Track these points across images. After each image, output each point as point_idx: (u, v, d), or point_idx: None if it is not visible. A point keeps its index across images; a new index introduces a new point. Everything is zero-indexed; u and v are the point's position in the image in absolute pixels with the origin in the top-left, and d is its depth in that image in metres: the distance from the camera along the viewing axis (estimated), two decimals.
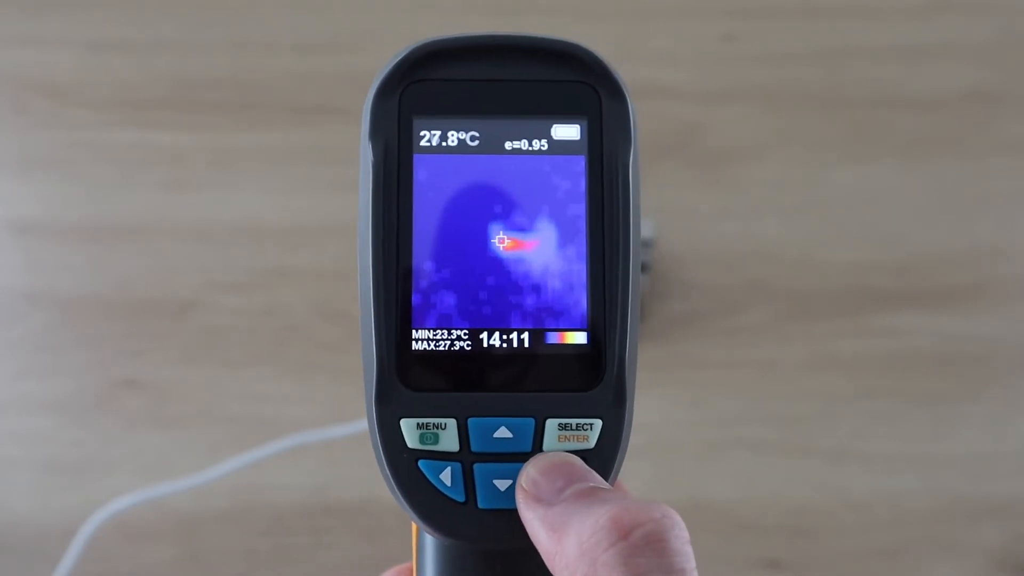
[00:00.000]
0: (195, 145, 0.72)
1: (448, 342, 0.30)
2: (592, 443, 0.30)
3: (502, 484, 0.29)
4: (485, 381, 0.30)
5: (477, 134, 0.31)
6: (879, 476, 0.66)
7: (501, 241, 0.31)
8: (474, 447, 0.30)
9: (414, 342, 0.30)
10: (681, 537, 0.26)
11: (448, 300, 0.30)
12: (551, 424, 0.30)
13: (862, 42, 0.76)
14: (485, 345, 0.30)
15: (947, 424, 0.67)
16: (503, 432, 0.30)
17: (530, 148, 0.31)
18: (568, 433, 0.30)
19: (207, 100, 0.74)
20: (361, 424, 0.61)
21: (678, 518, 0.26)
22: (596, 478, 0.28)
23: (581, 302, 0.31)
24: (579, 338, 0.30)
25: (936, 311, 0.69)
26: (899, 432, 0.67)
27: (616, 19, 0.76)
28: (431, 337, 0.30)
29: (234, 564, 0.63)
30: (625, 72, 0.32)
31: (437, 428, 0.30)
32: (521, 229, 0.31)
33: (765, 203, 0.72)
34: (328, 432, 0.61)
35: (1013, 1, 0.77)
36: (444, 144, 0.31)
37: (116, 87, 0.74)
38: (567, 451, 0.30)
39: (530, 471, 0.29)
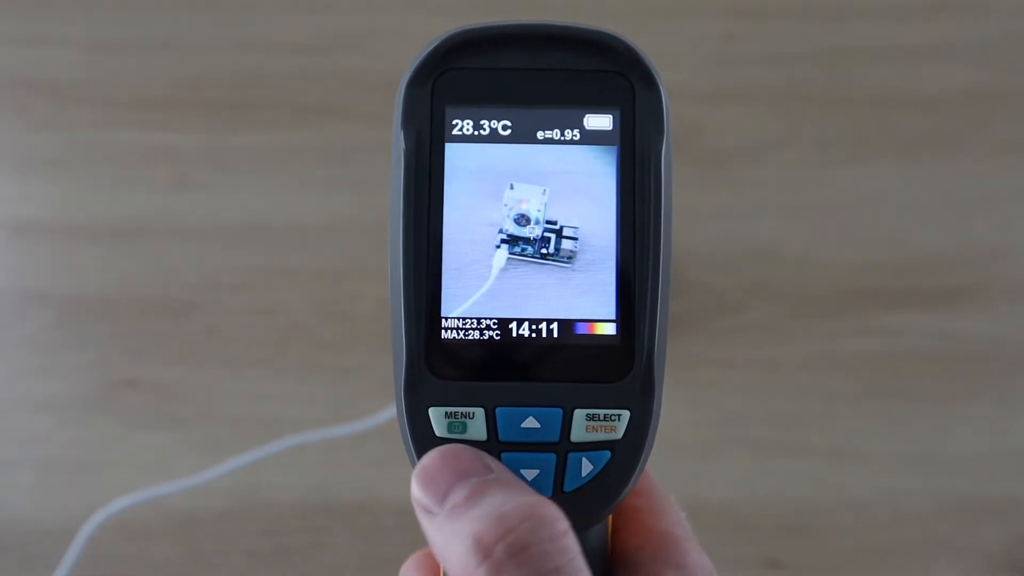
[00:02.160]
0: (195, 145, 0.72)
1: (477, 331, 0.30)
2: (620, 434, 0.30)
3: (529, 474, 0.30)
4: (514, 371, 0.30)
5: (509, 123, 0.31)
6: (879, 476, 0.66)
7: (531, 230, 0.31)
8: (502, 436, 0.30)
9: (443, 331, 0.30)
10: (546, 536, 0.26)
11: (478, 289, 0.31)
12: (579, 414, 0.30)
13: (862, 42, 0.76)
14: (514, 335, 0.30)
15: (947, 424, 0.67)
16: (531, 422, 0.30)
17: (562, 138, 0.31)
18: (596, 424, 0.30)
19: (207, 100, 0.74)
20: (361, 424, 0.61)
21: (547, 513, 0.26)
22: (479, 468, 0.28)
23: (611, 293, 0.31)
24: (608, 329, 0.30)
25: (936, 311, 0.69)
26: (899, 432, 0.67)
27: (616, 19, 0.76)
28: (461, 326, 0.30)
29: (234, 564, 0.63)
30: None
31: (465, 417, 0.30)
32: (551, 219, 0.31)
33: (765, 203, 0.72)
34: (328, 432, 0.61)
35: (1013, 1, 0.77)
36: (476, 133, 0.31)
37: (116, 87, 0.74)
38: (595, 442, 0.30)
39: (412, 486, 0.29)
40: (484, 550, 0.26)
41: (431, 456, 0.29)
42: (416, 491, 0.28)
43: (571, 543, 0.26)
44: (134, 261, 0.70)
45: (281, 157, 0.72)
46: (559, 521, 0.26)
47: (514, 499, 0.27)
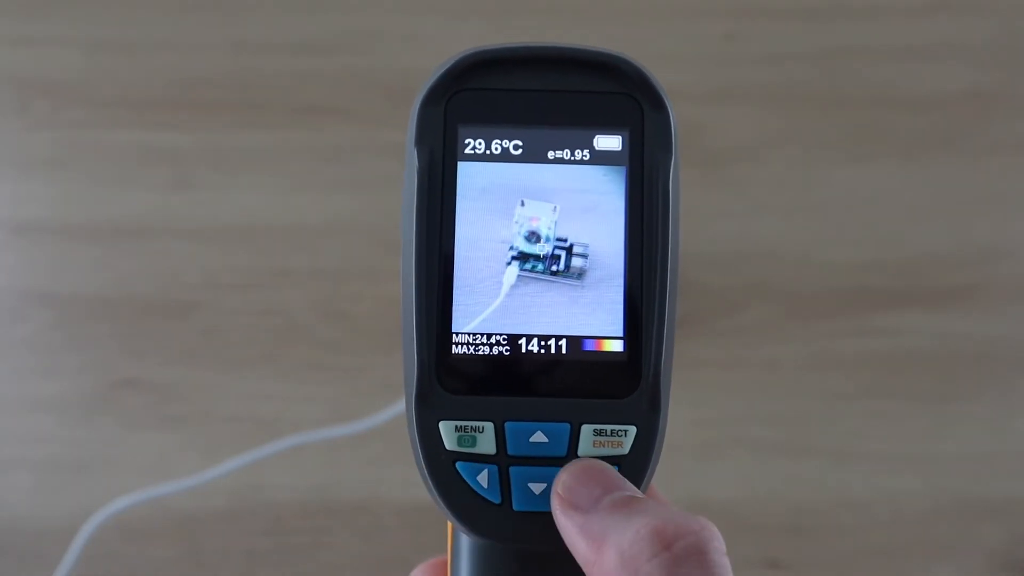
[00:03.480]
0: (195, 145, 0.72)
1: (488, 347, 0.31)
2: (626, 449, 0.30)
3: (537, 487, 0.30)
4: (523, 386, 0.31)
5: (520, 143, 0.32)
6: (879, 476, 0.66)
7: (542, 247, 0.31)
8: (511, 450, 0.30)
9: (454, 346, 0.31)
10: (720, 550, 0.27)
11: (488, 306, 0.31)
12: (586, 429, 0.30)
13: (862, 42, 0.76)
14: (524, 351, 0.31)
15: (947, 424, 0.67)
16: (539, 436, 0.30)
17: (572, 158, 0.32)
18: (603, 439, 0.30)
19: (207, 100, 0.74)
20: (361, 424, 0.61)
21: (716, 530, 0.27)
22: (631, 487, 0.29)
23: (619, 311, 0.31)
24: (616, 346, 0.31)
25: (936, 311, 0.69)
26: (899, 432, 0.67)
27: (616, 19, 0.76)
28: (471, 342, 0.31)
29: (234, 564, 0.63)
30: None
31: (475, 431, 0.30)
32: (561, 237, 0.31)
33: (765, 203, 0.72)
34: (328, 432, 0.61)
35: (1013, 1, 0.77)
36: (488, 152, 0.32)
37: (116, 87, 0.74)
38: (601, 456, 0.30)
39: (565, 477, 0.29)
40: (664, 542, 0.26)
41: (587, 460, 0.30)
42: (570, 480, 0.29)
43: (729, 563, 0.27)
44: (134, 261, 0.70)
45: (281, 157, 0.72)
46: (723, 543, 0.27)
47: (681, 512, 0.27)
